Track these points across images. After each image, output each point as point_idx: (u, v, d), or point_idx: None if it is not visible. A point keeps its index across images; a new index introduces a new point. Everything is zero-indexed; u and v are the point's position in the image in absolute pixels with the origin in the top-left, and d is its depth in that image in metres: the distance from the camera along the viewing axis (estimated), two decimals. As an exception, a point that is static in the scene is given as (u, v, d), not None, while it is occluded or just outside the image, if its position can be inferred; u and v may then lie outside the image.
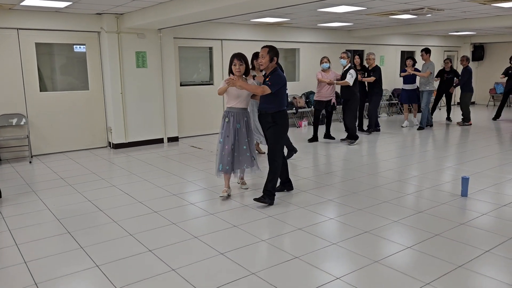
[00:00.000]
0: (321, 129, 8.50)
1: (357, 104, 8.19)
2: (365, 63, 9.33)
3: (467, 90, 10.05)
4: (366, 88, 9.14)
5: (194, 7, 5.76)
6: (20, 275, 3.07)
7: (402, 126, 9.94)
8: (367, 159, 6.75)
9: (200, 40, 8.98)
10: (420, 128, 9.46)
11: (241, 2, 5.06)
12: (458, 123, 10.20)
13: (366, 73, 9.02)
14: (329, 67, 8.03)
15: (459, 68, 11.10)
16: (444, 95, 10.61)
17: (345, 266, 3.14)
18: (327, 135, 8.41)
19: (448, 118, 10.71)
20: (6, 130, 6.98)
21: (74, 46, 7.65)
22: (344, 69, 7.93)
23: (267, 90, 4.35)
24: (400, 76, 9.99)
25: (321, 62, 8.09)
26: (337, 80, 7.96)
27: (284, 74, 4.81)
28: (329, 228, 3.91)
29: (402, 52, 13.29)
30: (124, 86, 7.76)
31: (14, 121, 6.98)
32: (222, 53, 9.35)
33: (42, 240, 3.69)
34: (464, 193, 4.70)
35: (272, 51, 4.41)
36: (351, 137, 8.01)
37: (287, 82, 5.13)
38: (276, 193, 4.72)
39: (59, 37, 7.34)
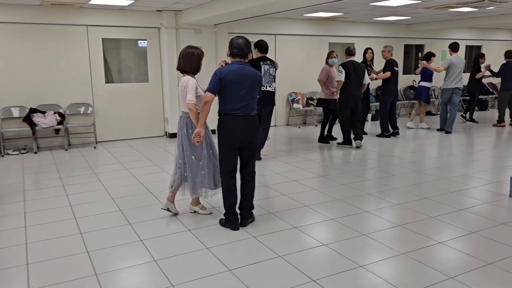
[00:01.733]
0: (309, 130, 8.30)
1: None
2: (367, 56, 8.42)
3: (503, 87, 9.39)
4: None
5: (246, 3, 5.99)
6: (76, 244, 3.49)
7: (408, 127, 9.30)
8: (412, 156, 6.62)
9: (254, 34, 9.20)
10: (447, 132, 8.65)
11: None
12: (493, 125, 9.58)
13: (368, 68, 8.03)
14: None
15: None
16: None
17: (374, 256, 3.23)
18: (330, 136, 7.92)
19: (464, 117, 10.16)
20: (75, 118, 7.68)
21: (138, 41, 8.20)
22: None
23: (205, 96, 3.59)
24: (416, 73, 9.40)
25: (330, 57, 7.51)
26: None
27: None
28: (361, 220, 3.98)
29: (468, 47, 12.64)
30: (180, 79, 8.19)
31: (82, 109, 7.66)
32: (275, 47, 9.52)
33: (96, 216, 4.12)
34: (512, 194, 4.50)
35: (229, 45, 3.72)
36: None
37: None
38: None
39: (123, 33, 7.92)
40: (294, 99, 9.72)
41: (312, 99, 9.84)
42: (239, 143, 3.65)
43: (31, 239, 3.57)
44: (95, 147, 7.48)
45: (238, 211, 3.83)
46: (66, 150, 7.26)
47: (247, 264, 3.11)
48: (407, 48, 11.85)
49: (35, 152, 7.05)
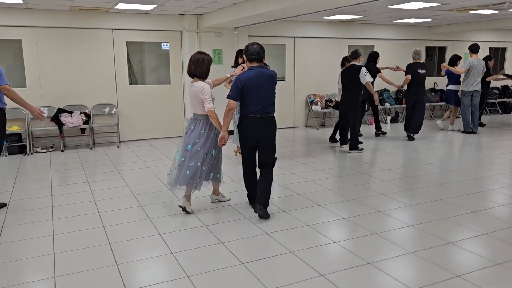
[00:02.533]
0: (327, 131, 8.38)
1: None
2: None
3: None
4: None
5: (264, 7, 6.14)
6: (99, 236, 3.70)
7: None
8: (430, 158, 6.62)
9: (273, 37, 9.35)
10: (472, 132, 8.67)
11: (308, 1, 5.31)
12: None
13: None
14: None
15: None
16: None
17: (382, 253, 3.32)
18: (334, 138, 7.88)
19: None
20: (100, 118, 7.98)
21: (162, 44, 8.46)
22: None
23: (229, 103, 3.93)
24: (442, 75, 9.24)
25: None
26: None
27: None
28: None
29: (492, 49, 12.45)
30: (189, 84, 8.40)
31: (106, 110, 7.96)
32: (294, 50, 9.63)
33: (118, 211, 4.33)
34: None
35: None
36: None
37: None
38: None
39: (146, 36, 8.19)
40: (313, 100, 9.81)
41: (331, 101, 9.91)
42: (256, 142, 3.98)
43: (58, 231, 3.80)
44: (118, 146, 7.76)
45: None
46: (91, 148, 7.56)
47: (259, 259, 3.24)
48: (430, 50, 11.77)
49: (62, 151, 7.38)
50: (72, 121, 7.34)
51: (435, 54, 11.98)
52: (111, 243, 3.53)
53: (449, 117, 9.30)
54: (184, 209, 4.18)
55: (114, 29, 7.84)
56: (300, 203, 4.51)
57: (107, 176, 5.68)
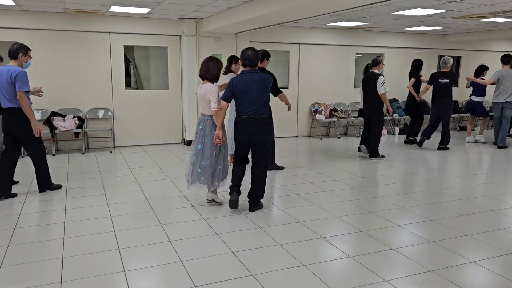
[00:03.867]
0: (331, 141, 8.03)
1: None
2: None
3: None
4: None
5: (261, 10, 5.88)
6: (56, 248, 3.48)
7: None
8: (454, 171, 6.21)
9: (277, 44, 9.08)
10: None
11: (303, 4, 5.03)
12: None
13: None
14: None
15: None
16: None
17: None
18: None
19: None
20: (95, 122, 7.84)
21: (158, 48, 8.31)
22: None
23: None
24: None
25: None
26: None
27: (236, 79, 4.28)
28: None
29: None
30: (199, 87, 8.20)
31: (101, 114, 7.81)
32: (299, 57, 9.35)
33: (88, 221, 4.11)
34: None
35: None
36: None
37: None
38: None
39: (145, 40, 8.04)
40: (317, 109, 9.48)
41: (336, 110, 9.57)
42: (249, 140, 4.29)
43: (15, 241, 3.60)
44: (111, 152, 7.59)
45: (240, 191, 4.41)
46: (83, 153, 7.42)
47: (270, 271, 3.10)
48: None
49: (53, 155, 7.25)
50: (65, 125, 7.22)
51: (453, 64, 11.52)
52: (70, 256, 3.30)
53: (473, 129, 9.03)
54: (212, 200, 4.56)
55: (111, 32, 7.72)
56: (315, 214, 4.21)
57: (85, 184, 5.49)
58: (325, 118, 9.41)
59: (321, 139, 9.32)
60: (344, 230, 3.92)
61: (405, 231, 3.92)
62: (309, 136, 9.71)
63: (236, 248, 3.46)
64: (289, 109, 6.21)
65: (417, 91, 8.41)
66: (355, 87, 10.17)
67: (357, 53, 10.17)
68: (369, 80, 6.93)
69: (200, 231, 3.88)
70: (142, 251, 3.43)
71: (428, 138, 8.10)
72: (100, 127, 7.83)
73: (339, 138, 9.48)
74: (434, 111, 7.91)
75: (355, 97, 10.14)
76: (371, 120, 6.99)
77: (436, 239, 3.68)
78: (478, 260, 3.25)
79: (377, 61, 6.96)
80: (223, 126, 4.25)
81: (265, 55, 5.90)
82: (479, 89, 8.57)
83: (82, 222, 4.09)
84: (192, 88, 8.15)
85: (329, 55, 9.68)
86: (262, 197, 4.44)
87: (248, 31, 8.10)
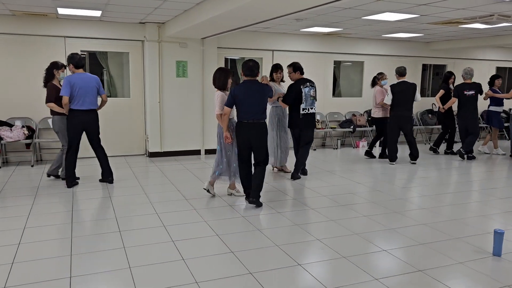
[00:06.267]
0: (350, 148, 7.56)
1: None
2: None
3: None
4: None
5: (210, 12, 5.41)
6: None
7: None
8: (468, 185, 5.70)
9: (249, 50, 8.62)
10: None
11: (250, 4, 4.55)
12: None
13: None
14: None
15: None
16: None
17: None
18: (370, 153, 8.03)
19: None
20: (48, 132, 7.33)
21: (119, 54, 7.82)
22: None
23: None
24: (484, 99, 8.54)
25: (383, 78, 7.75)
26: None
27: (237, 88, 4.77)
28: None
29: (500, 69, 11.43)
30: (162, 95, 7.72)
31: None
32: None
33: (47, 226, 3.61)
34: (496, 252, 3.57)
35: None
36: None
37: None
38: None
39: (104, 45, 7.57)
40: (291, 120, 8.97)
41: (317, 121, 9.08)
42: (249, 144, 4.80)
43: None
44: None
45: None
46: (32, 166, 6.91)
47: (267, 270, 3.17)
48: (427, 67, 10.86)
49: (-1, 167, 6.75)
50: (12, 135, 6.71)
51: (430, 71, 11.09)
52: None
53: (490, 140, 8.69)
54: (232, 194, 5.25)
55: (67, 36, 7.24)
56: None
57: (19, 201, 4.97)
58: (301, 129, 8.90)
59: (314, 149, 8.87)
60: (367, 249, 3.71)
61: (431, 250, 3.42)
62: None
63: (236, 248, 3.61)
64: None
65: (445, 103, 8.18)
66: (333, 95, 9.72)
67: (346, 61, 9.79)
68: (409, 88, 7.20)
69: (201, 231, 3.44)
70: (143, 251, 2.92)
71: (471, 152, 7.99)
72: (54, 138, 7.28)
73: (314, 150, 8.97)
74: (462, 123, 7.83)
75: (334, 107, 9.68)
76: (403, 130, 7.31)
77: (464, 260, 3.17)
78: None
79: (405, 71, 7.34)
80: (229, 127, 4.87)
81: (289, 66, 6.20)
82: (497, 100, 8.40)
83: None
84: (155, 97, 7.67)
85: (305, 62, 9.00)
86: (261, 189, 4.84)
87: (214, 36, 7.63)
